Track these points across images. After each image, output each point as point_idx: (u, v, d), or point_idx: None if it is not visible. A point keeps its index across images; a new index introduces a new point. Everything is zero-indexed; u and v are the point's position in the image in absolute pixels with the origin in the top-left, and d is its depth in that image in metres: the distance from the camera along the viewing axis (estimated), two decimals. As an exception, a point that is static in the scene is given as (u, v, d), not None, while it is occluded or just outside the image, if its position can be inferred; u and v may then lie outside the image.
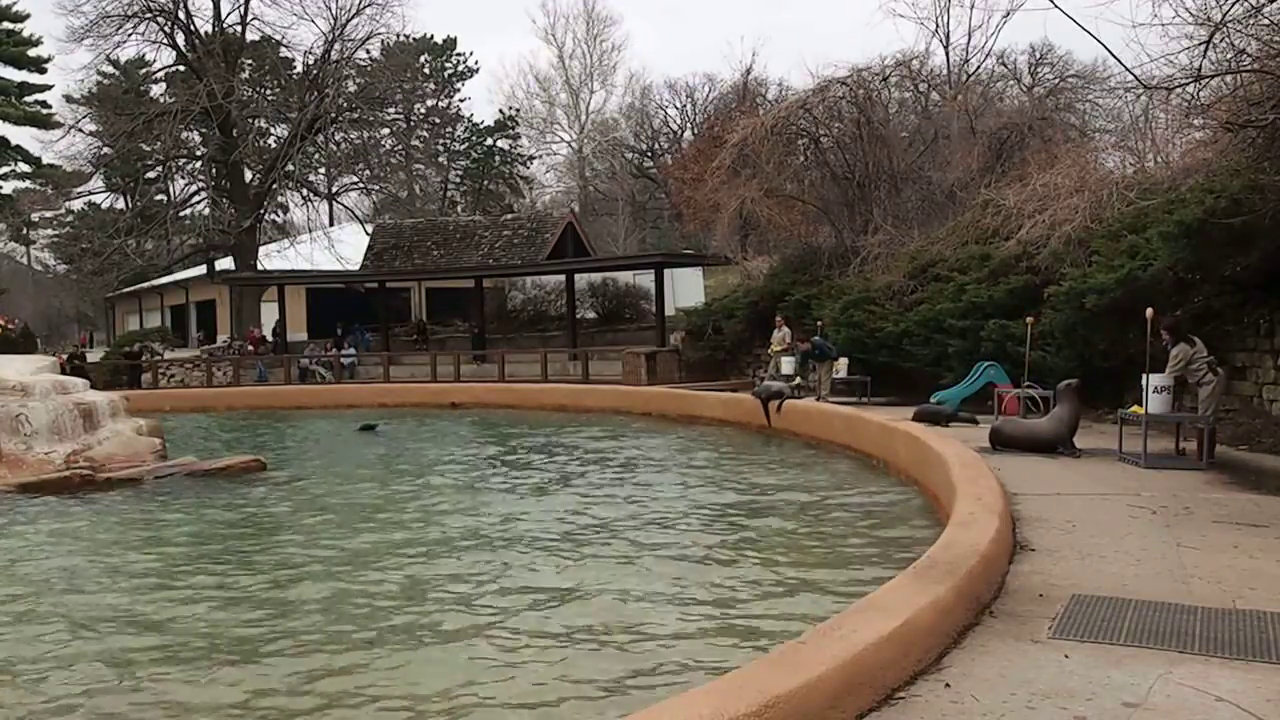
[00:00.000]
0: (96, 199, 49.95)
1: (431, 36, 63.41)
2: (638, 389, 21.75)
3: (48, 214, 59.11)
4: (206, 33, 36.77)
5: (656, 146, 63.28)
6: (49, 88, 48.68)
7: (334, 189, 51.10)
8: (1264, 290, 11.58)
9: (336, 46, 37.05)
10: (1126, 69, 11.87)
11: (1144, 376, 10.24)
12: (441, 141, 66.07)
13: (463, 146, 66.85)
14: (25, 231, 61.81)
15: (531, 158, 67.29)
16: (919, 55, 29.56)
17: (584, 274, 32.73)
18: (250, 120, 38.99)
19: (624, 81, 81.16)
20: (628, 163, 62.49)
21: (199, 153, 40.50)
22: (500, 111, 65.64)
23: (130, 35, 35.48)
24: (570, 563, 7.73)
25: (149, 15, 35.29)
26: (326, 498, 11.37)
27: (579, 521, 9.36)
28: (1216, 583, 5.66)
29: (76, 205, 55.48)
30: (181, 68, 38.33)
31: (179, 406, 23.28)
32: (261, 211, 39.25)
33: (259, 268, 37.01)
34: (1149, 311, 10.45)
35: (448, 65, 66.56)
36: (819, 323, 18.12)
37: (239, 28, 37.21)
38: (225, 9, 36.76)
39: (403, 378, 27.98)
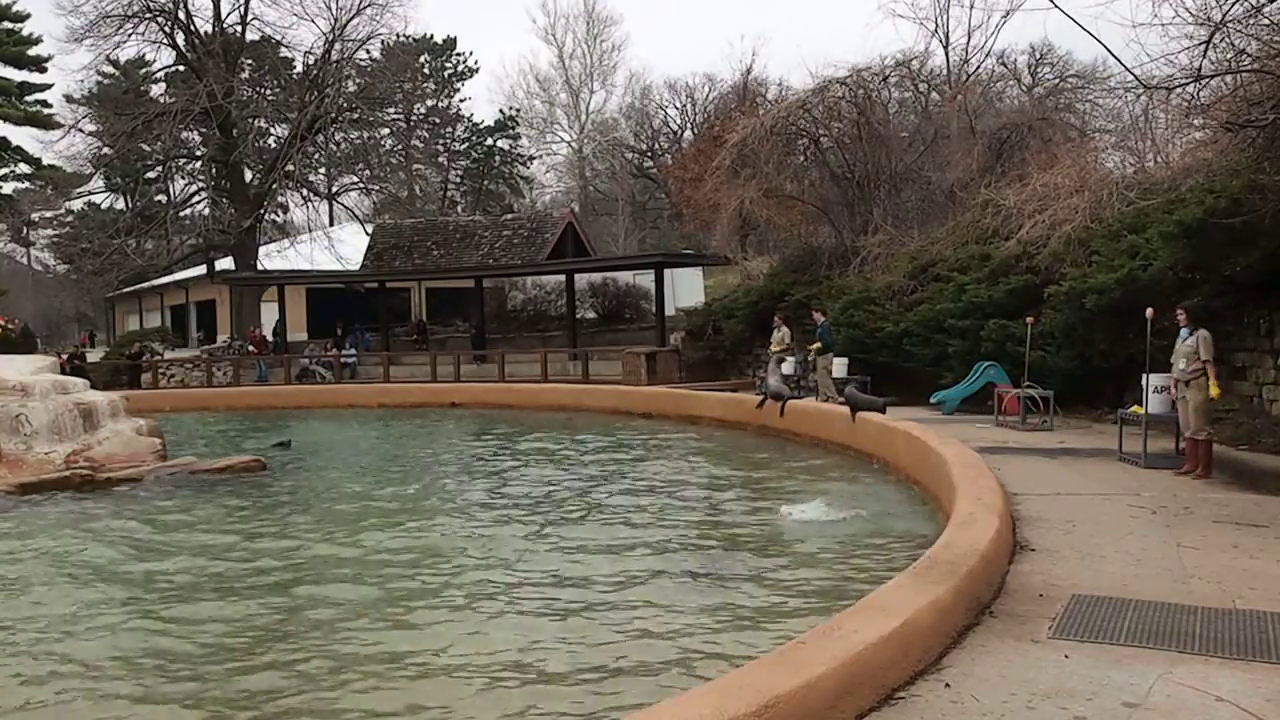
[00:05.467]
0: (96, 199, 49.96)
1: (431, 36, 63.41)
2: (638, 389, 21.74)
3: (48, 214, 59.06)
4: (206, 33, 36.74)
5: (656, 146, 63.24)
6: (49, 87, 48.63)
7: (334, 189, 51.07)
8: (1264, 290, 11.58)
9: (336, 46, 37.03)
10: (1126, 69, 11.89)
11: (1144, 376, 10.23)
12: (441, 141, 66.05)
13: (463, 146, 66.81)
14: (25, 232, 61.79)
15: (531, 158, 67.27)
16: (919, 55, 29.53)
17: (584, 274, 32.71)
18: (250, 120, 38.96)
19: (624, 81, 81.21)
20: (628, 163, 62.44)
21: (199, 153, 40.45)
22: (500, 111, 65.64)
23: (130, 35, 35.47)
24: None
25: (149, 15, 35.26)
26: (327, 499, 11.37)
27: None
28: (1216, 583, 5.66)
29: (76, 205, 55.46)
30: (181, 68, 38.31)
31: (179, 406, 23.27)
32: (261, 211, 39.22)
33: (259, 268, 37.00)
34: (1149, 311, 10.44)
35: (448, 65, 66.51)
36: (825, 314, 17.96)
37: (239, 28, 37.20)
38: (225, 9, 36.78)
39: (403, 378, 27.98)
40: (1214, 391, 9.09)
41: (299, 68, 40.53)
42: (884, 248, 20.30)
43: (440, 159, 65.69)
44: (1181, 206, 12.32)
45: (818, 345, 16.42)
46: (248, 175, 39.21)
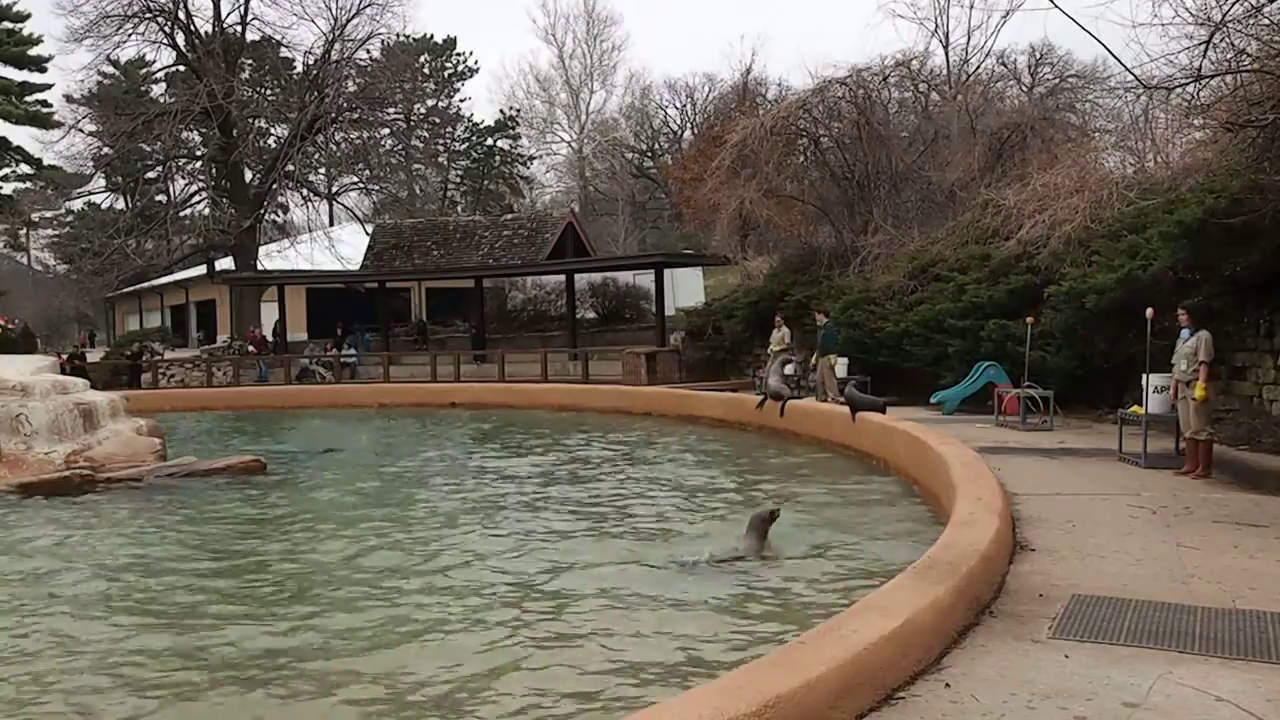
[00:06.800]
0: (96, 199, 49.97)
1: (431, 36, 63.38)
2: (638, 389, 21.74)
3: (48, 214, 59.02)
4: (206, 33, 36.76)
5: (656, 146, 63.26)
6: (49, 87, 48.55)
7: (334, 189, 51.06)
8: (1264, 290, 11.57)
9: (336, 46, 37.04)
10: (1126, 69, 11.89)
11: (1144, 376, 10.22)
12: (441, 141, 66.02)
13: (463, 146, 66.80)
14: (25, 233, 61.76)
15: (531, 158, 67.27)
16: (918, 55, 29.48)
17: (584, 274, 32.71)
18: (250, 120, 38.95)
19: (624, 81, 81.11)
20: (628, 163, 62.44)
21: (199, 153, 40.48)
22: (500, 111, 65.64)
23: (130, 35, 35.53)
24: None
25: (149, 15, 35.28)
26: (327, 499, 11.38)
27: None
28: (1216, 583, 5.66)
29: (76, 205, 55.44)
30: (181, 68, 38.34)
31: (179, 406, 23.27)
32: (261, 211, 39.22)
33: (259, 268, 37.00)
34: (1149, 311, 10.43)
35: (448, 65, 66.49)
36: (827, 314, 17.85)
37: (239, 28, 37.22)
38: (225, 9, 36.80)
39: (403, 378, 27.98)
40: (1199, 393, 9.08)
41: (299, 68, 40.56)
42: (884, 248, 20.29)
43: (440, 159, 65.66)
44: (1181, 206, 12.31)
45: (820, 351, 16.42)
46: (248, 175, 39.21)
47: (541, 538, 8.69)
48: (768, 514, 7.50)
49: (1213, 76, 10.27)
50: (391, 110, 46.69)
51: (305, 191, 43.71)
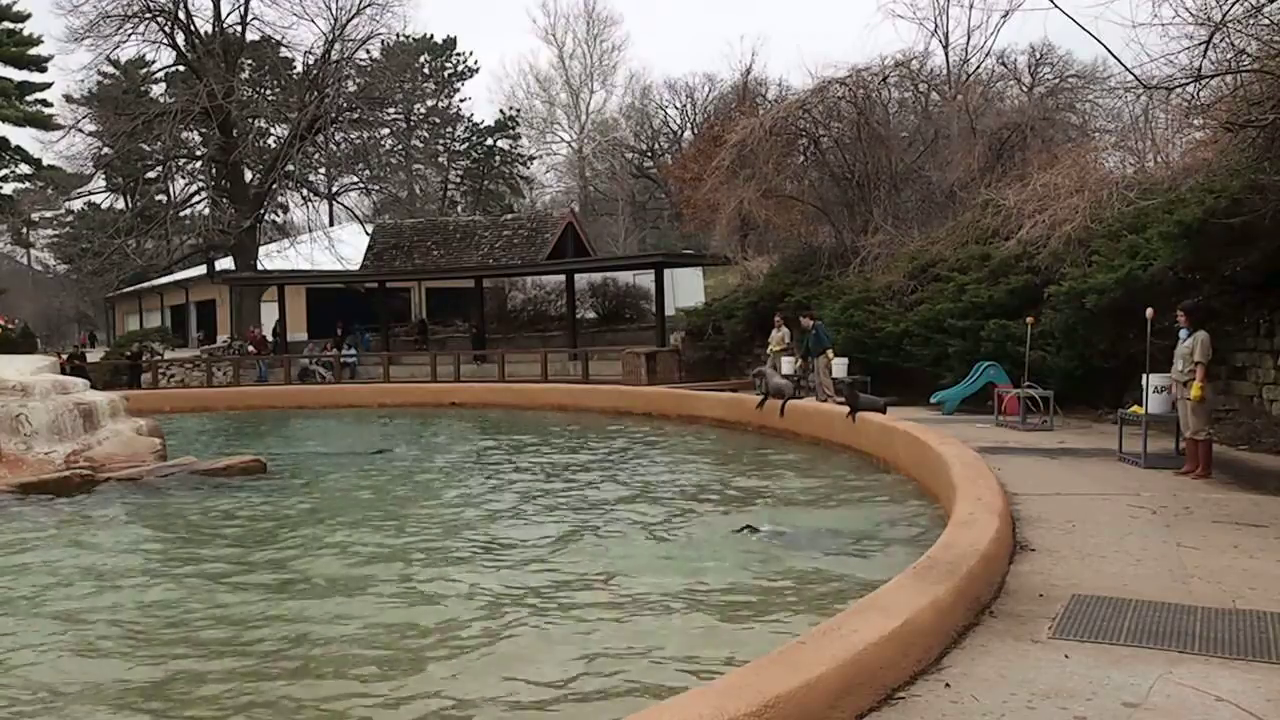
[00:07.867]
0: (96, 199, 49.95)
1: (431, 36, 63.43)
2: (638, 389, 21.74)
3: (48, 214, 59.03)
4: (206, 33, 36.77)
5: (656, 146, 63.27)
6: (49, 87, 48.59)
7: (334, 189, 51.08)
8: (1264, 290, 11.57)
9: (336, 46, 37.06)
10: (1126, 69, 11.88)
11: (1144, 376, 10.22)
12: (441, 141, 66.04)
13: (463, 146, 66.84)
14: (25, 232, 61.76)
15: (531, 158, 67.30)
16: (918, 55, 29.48)
17: (584, 274, 32.72)
18: (250, 120, 38.99)
19: (624, 81, 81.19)
20: (628, 163, 62.46)
21: (199, 153, 40.49)
22: (500, 111, 65.70)
23: (130, 35, 35.56)
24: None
25: (149, 15, 35.29)
26: (327, 498, 11.37)
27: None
28: (1216, 583, 5.66)
29: (76, 205, 55.44)
30: (181, 68, 38.37)
31: (179, 406, 23.26)
32: (261, 211, 39.25)
33: (259, 268, 37.01)
34: (1149, 311, 10.43)
35: (448, 65, 66.54)
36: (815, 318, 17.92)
37: (239, 28, 37.23)
38: (225, 9, 36.82)
39: (403, 378, 27.98)
40: (1194, 393, 9.09)
41: (299, 68, 40.58)
42: (884, 248, 20.28)
43: (440, 159, 65.69)
44: (1181, 206, 12.31)
45: (814, 353, 16.42)
46: (248, 175, 39.22)
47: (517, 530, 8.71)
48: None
49: (1213, 76, 10.27)
50: (391, 110, 46.74)
51: (305, 191, 43.81)
